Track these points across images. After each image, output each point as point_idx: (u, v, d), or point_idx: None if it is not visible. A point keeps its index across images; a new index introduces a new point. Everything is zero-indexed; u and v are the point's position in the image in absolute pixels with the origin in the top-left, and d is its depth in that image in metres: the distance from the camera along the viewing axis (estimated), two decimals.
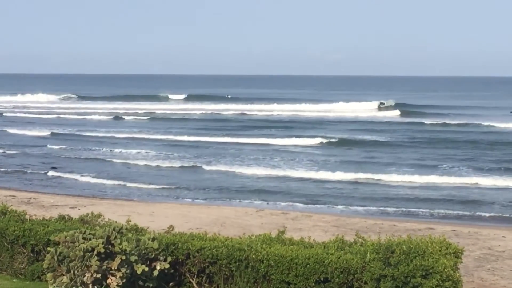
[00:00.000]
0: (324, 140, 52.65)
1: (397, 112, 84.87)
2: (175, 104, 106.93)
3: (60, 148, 49.02)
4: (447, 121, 69.54)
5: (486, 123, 66.01)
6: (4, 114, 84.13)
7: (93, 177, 35.73)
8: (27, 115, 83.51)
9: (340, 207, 28.30)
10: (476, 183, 33.64)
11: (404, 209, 27.92)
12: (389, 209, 27.89)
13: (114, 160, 42.44)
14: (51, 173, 36.91)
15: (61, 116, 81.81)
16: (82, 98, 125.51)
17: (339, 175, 35.54)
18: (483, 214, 27.03)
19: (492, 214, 26.94)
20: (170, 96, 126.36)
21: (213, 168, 39.20)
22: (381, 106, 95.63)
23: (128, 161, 42.16)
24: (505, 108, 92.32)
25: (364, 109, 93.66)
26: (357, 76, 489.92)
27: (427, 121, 70.41)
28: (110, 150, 47.57)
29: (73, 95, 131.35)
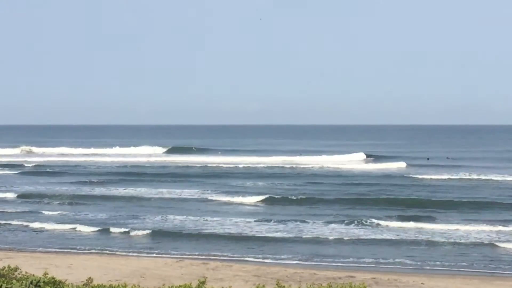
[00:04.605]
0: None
1: (402, 164, 75.46)
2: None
3: None
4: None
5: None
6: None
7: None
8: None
9: (260, 256, 28.44)
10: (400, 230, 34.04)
11: (324, 258, 28.22)
12: (309, 258, 28.14)
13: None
14: None
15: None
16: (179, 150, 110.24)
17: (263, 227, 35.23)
18: (403, 261, 27.54)
19: (412, 262, 27.45)
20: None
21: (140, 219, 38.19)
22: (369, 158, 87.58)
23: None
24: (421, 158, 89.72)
25: (350, 160, 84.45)
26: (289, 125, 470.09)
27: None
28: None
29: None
